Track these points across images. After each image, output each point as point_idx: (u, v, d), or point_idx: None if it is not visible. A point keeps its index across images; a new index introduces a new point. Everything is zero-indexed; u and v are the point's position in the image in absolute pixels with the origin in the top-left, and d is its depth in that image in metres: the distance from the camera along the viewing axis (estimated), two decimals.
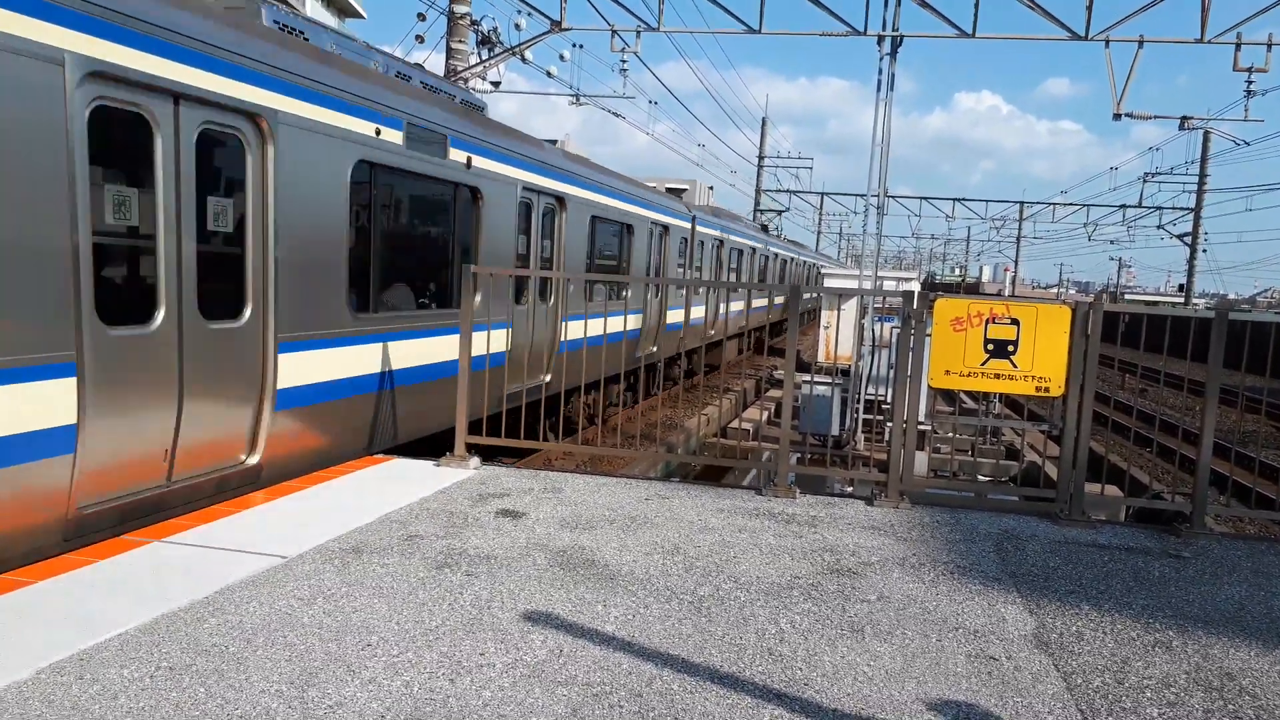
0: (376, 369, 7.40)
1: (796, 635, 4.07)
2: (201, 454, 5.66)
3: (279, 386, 6.20)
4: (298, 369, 6.40)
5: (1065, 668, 3.89)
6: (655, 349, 15.89)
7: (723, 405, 18.41)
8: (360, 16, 58.44)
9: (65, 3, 4.48)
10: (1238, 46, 15.79)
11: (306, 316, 6.49)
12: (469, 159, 8.59)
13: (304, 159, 6.34)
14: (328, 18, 52.64)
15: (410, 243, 8.46)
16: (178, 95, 5.23)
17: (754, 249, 27.22)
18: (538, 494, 6.32)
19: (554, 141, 12.81)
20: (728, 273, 23.02)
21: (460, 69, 16.11)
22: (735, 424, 18.19)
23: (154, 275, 5.23)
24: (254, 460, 6.08)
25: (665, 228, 16.20)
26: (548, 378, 10.77)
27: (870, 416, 15.76)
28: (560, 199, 10.96)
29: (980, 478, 14.57)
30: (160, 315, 5.25)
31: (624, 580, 4.66)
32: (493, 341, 8.76)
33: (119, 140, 5.05)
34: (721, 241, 21.79)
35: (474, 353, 7.22)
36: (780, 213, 50.91)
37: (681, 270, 17.91)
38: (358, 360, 7.19)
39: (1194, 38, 15.37)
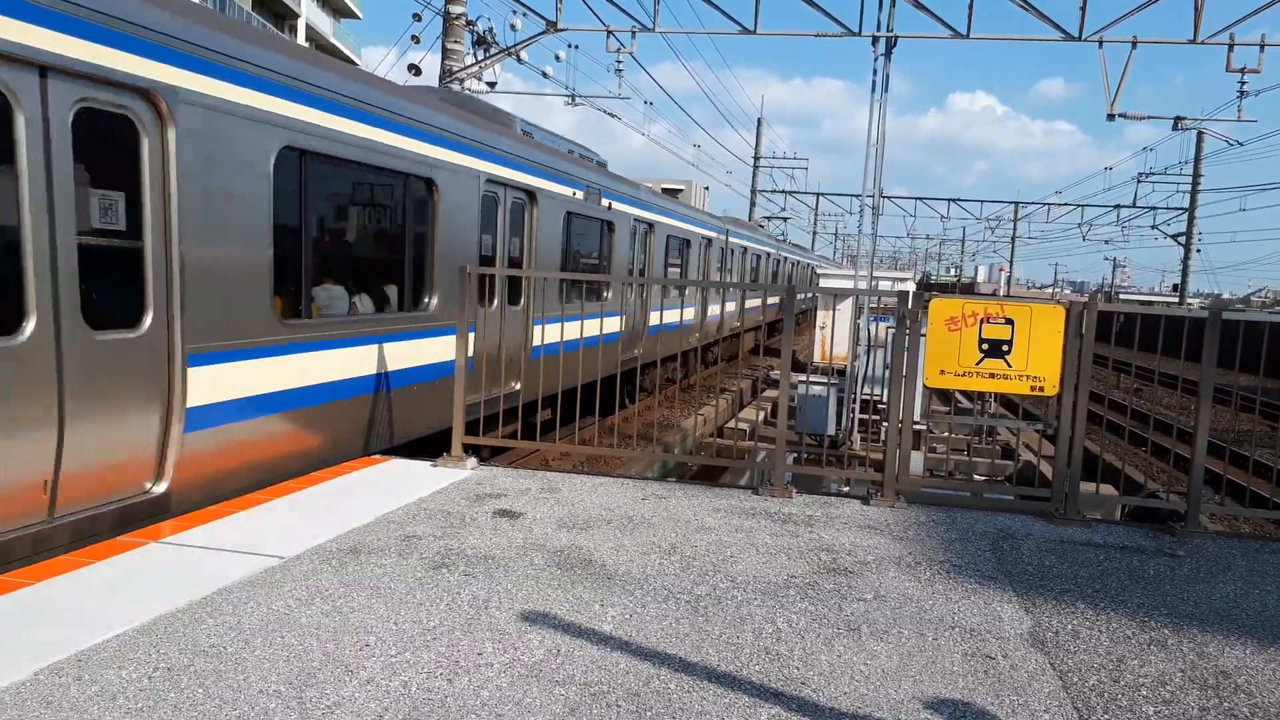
0: (314, 381, 6.72)
1: (793, 634, 4.09)
2: (93, 484, 4.96)
3: (189, 404, 5.46)
4: (214, 384, 5.70)
5: (1061, 666, 3.91)
6: (640, 351, 15.91)
7: (719, 405, 18.41)
8: (355, 17, 58.43)
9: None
10: (1230, 47, 15.85)
11: (224, 325, 5.78)
12: (432, 150, 8.15)
13: (214, 143, 5.60)
14: (323, 19, 52.58)
15: (350, 238, 7.68)
16: (44, 67, 4.54)
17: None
18: (535, 494, 6.33)
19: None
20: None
21: (456, 69, 16.12)
22: (732, 424, 18.21)
23: (19, 278, 4.49)
24: (161, 488, 5.37)
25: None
26: (517, 385, 10.18)
27: (866, 416, 15.80)
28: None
29: (976, 477, 14.60)
30: (30, 325, 4.53)
31: (621, 580, 4.67)
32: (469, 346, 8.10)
33: None
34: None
35: (431, 360, 7.13)
36: (784, 219, 51.24)
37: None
38: (290, 372, 6.46)
39: (1187, 39, 15.43)
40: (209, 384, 5.67)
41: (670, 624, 4.12)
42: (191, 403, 5.52)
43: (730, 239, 22.94)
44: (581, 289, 11.61)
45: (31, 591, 4.07)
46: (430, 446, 8.00)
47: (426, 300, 8.29)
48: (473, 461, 7.03)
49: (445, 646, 3.75)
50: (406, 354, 7.93)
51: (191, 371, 5.51)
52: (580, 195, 11.74)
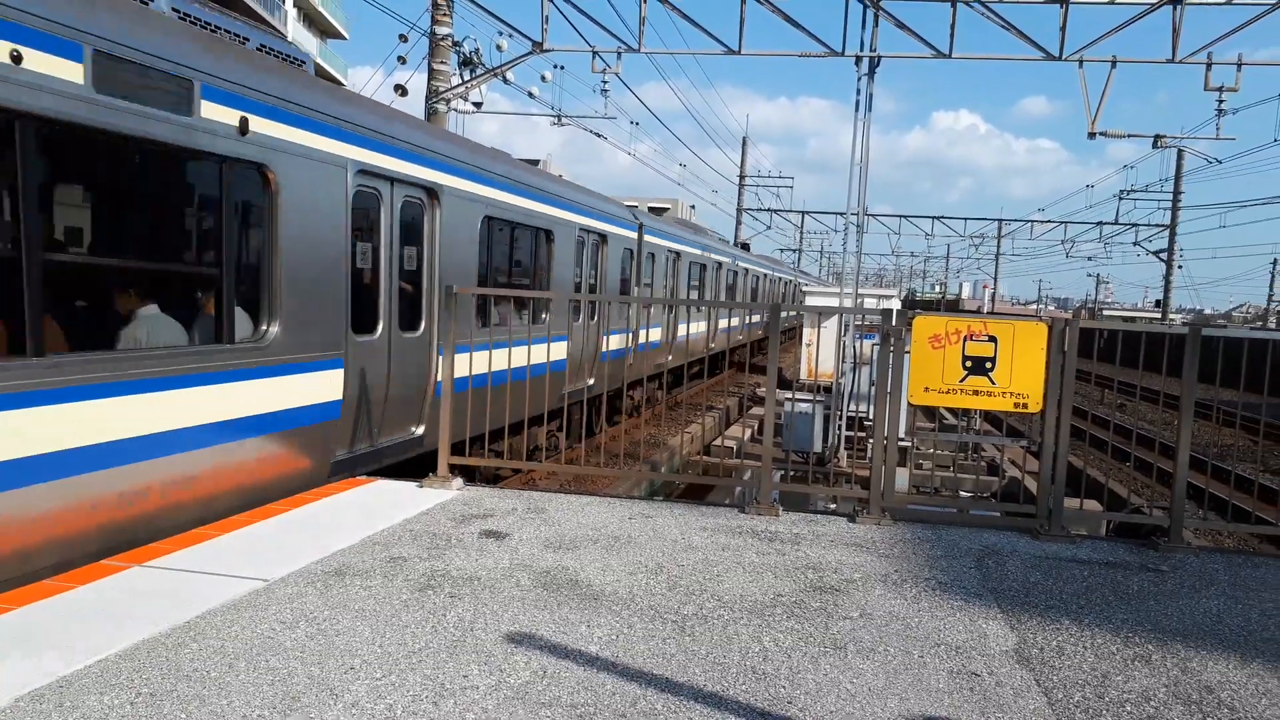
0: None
1: (780, 653, 4.09)
2: (394, 426, 7.82)
3: (437, 379, 7.21)
4: (460, 366, 7.01)
5: (1046, 683, 3.92)
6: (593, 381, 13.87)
7: (706, 423, 18.44)
8: (342, 38, 58.58)
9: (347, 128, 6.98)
10: (1209, 66, 16.05)
11: (464, 328, 7.65)
12: (550, 209, 9.68)
13: (457, 216, 8.87)
14: (309, 38, 52.71)
15: (505, 268, 9.68)
16: (392, 179, 7.61)
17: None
18: (521, 514, 6.32)
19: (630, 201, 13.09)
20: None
21: (442, 90, 16.17)
22: (719, 442, 18.22)
23: (375, 302, 7.65)
24: (420, 431, 7.24)
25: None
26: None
27: (853, 433, 15.84)
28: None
29: (961, 493, 14.65)
30: (379, 329, 7.70)
31: (608, 600, 4.66)
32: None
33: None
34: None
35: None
36: (796, 251, 51.62)
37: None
38: (495, 360, 8.52)
39: (1165, 58, 15.62)
40: (458, 367, 7.16)
41: (657, 644, 4.12)
42: (439, 378, 7.31)
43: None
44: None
45: (13, 616, 4.04)
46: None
47: None
48: (459, 482, 7.02)
49: (431, 669, 3.74)
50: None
51: (441, 359, 7.18)
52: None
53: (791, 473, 13.09)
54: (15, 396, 4.53)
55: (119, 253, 5.68)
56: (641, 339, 16.21)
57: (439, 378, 8.37)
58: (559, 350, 11.37)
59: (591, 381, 13.44)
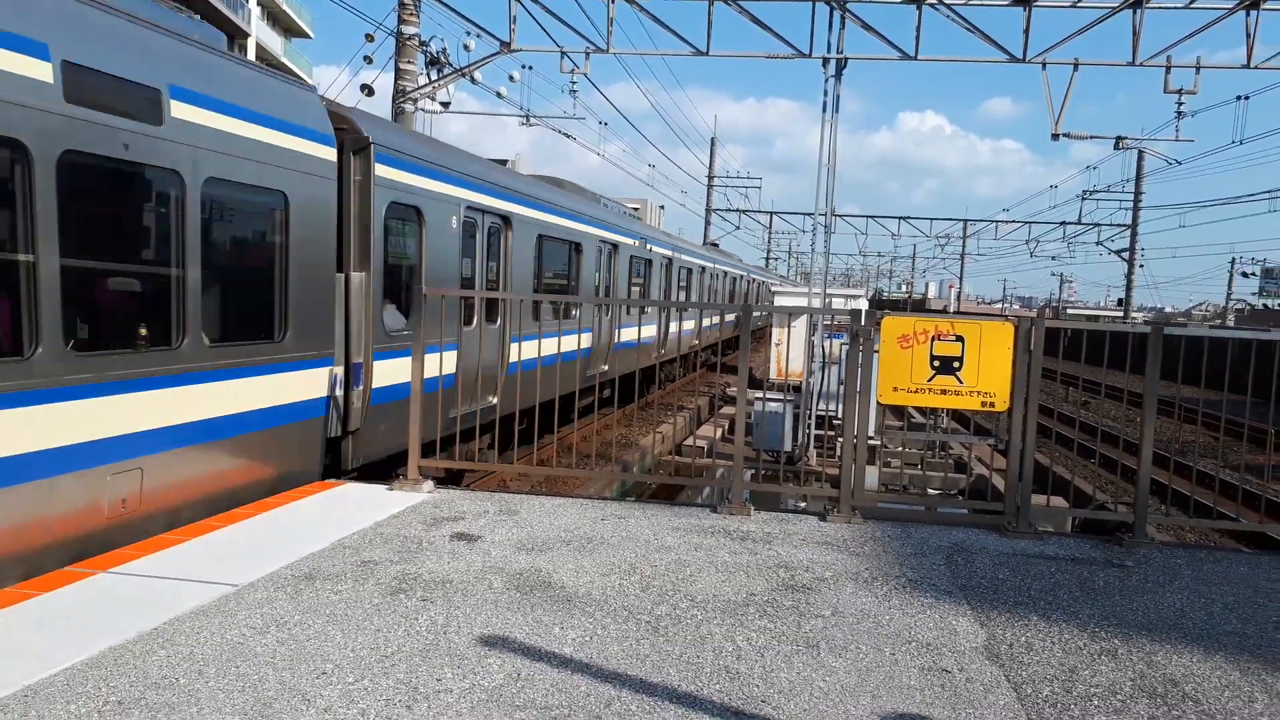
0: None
1: (753, 652, 4.11)
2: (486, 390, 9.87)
3: (510, 360, 9.81)
4: (523, 351, 9.17)
5: (1015, 678, 3.97)
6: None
7: (677, 423, 18.46)
8: (307, 36, 58.02)
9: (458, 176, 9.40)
10: (1168, 69, 16.33)
11: (531, 323, 11.57)
12: (579, 226, 12.08)
13: (522, 236, 11.47)
14: (274, 37, 52.13)
15: (550, 278, 11.67)
16: (481, 210, 10.12)
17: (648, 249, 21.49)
18: (493, 516, 6.30)
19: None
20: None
21: (409, 90, 16.07)
22: (690, 441, 18.26)
23: (472, 307, 9.80)
24: (494, 401, 8.69)
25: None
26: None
27: (822, 432, 15.93)
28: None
29: (930, 491, 14.78)
30: (474, 323, 9.91)
31: (581, 602, 4.66)
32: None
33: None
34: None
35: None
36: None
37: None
38: (545, 346, 11.71)
39: (1126, 61, 15.86)
40: (521, 351, 8.85)
41: (631, 645, 4.12)
42: (511, 359, 10.36)
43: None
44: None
45: None
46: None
47: None
48: (429, 484, 6.98)
49: (404, 673, 3.72)
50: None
51: (511, 346, 10.42)
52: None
53: (762, 471, 13.15)
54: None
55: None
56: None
57: (511, 359, 10.86)
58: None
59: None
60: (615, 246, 16.11)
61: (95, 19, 5.23)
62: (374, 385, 7.91)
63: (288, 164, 6.76)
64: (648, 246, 18.44)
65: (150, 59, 5.56)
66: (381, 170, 7.90)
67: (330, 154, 7.33)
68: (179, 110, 5.70)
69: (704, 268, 26.42)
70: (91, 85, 5.09)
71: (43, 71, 4.78)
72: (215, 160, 6.02)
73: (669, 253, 20.66)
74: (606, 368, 15.25)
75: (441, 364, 7.54)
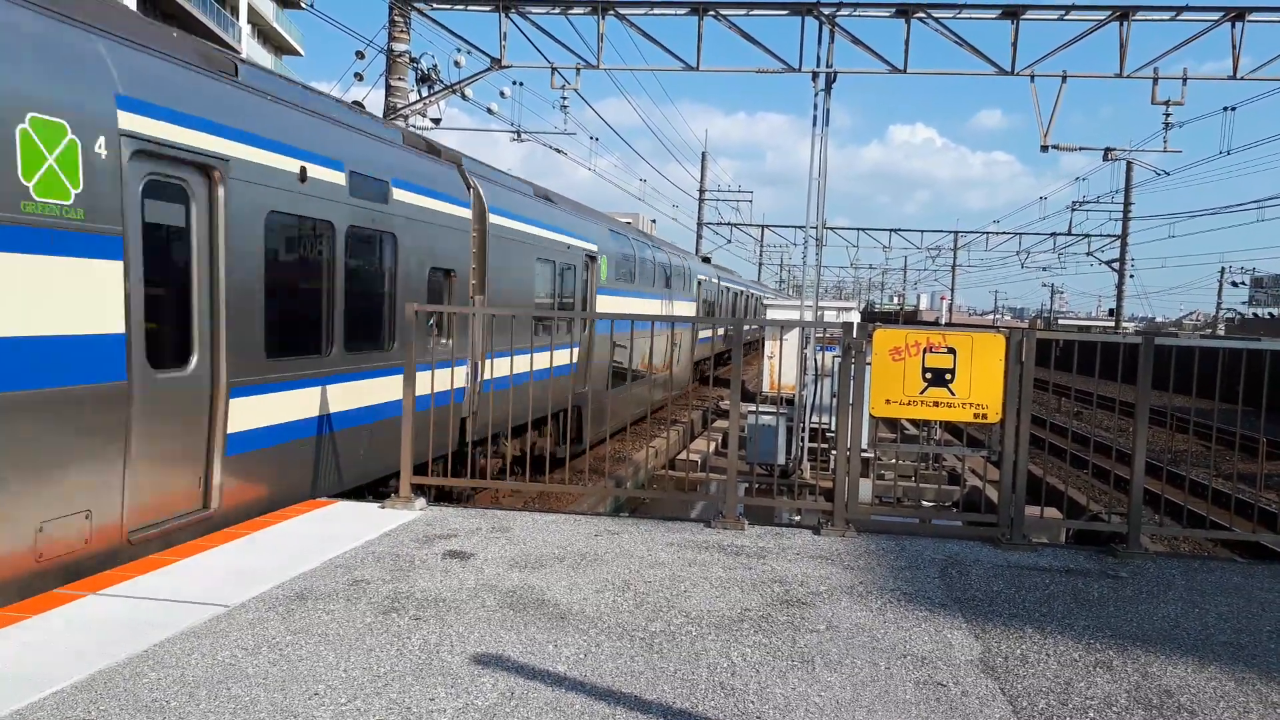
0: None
1: (748, 668, 4.09)
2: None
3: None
4: (557, 355, 11.70)
5: (1011, 691, 3.96)
6: None
7: (670, 437, 18.44)
8: (298, 54, 58.13)
9: (582, 231, 13.80)
10: (1155, 81, 16.45)
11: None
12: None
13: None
14: (264, 55, 52.25)
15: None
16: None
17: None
18: (486, 534, 6.27)
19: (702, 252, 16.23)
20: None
21: (400, 106, 16.10)
22: (683, 455, 18.23)
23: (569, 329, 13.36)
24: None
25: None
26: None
27: (815, 445, 15.93)
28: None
29: (924, 503, 14.77)
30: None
31: (575, 619, 4.64)
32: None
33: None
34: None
35: None
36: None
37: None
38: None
39: (1114, 73, 15.98)
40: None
41: (625, 662, 4.10)
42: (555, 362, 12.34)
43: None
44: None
45: None
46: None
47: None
48: (421, 502, 6.95)
49: (397, 693, 3.69)
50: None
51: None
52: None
53: (756, 485, 13.14)
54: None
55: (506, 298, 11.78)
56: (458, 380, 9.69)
57: (584, 359, 13.78)
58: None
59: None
60: (670, 271, 21.13)
61: (361, 141, 8.12)
62: (482, 378, 10.25)
63: (442, 222, 9.34)
64: (702, 277, 23.35)
65: (383, 163, 8.33)
66: (494, 219, 10.53)
67: (467, 213, 9.96)
68: (395, 194, 8.42)
69: (730, 288, 28.50)
70: (360, 184, 7.88)
71: (340, 178, 7.58)
72: (409, 225, 8.64)
73: (712, 279, 25.34)
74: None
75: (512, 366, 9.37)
